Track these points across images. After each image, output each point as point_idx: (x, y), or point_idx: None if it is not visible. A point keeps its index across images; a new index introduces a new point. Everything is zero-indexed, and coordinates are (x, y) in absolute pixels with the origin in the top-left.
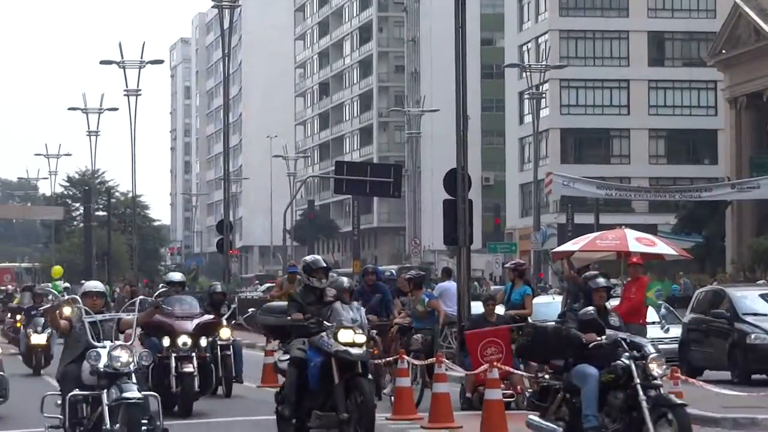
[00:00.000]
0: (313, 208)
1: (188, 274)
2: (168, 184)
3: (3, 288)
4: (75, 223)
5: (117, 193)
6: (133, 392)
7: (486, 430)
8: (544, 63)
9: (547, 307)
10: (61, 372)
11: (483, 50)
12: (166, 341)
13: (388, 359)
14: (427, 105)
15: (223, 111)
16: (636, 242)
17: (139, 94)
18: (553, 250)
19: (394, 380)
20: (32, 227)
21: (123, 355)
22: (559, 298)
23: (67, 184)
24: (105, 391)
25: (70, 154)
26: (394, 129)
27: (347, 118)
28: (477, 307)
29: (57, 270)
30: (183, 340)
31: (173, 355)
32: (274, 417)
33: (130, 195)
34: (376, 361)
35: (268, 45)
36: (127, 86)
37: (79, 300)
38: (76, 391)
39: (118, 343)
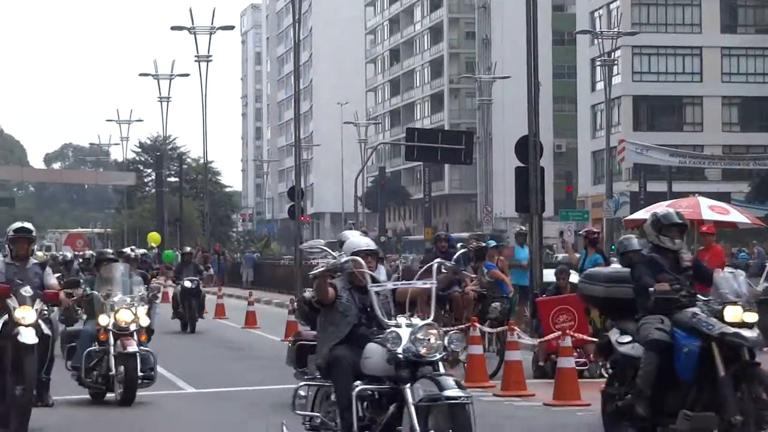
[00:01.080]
0: (385, 175)
1: (260, 240)
2: (239, 151)
3: (79, 253)
4: (147, 188)
5: (188, 159)
6: (454, 390)
7: (559, 398)
8: (615, 29)
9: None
10: (327, 357)
11: (554, 16)
12: None
13: (461, 326)
14: (498, 72)
15: (293, 77)
16: (709, 210)
17: (210, 60)
18: (626, 218)
19: (467, 348)
20: (104, 193)
21: (432, 338)
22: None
23: (139, 149)
24: (408, 385)
25: (141, 120)
26: (465, 96)
27: (418, 85)
28: (549, 275)
29: (155, 237)
30: None
31: None
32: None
33: (202, 161)
34: (448, 329)
35: (338, 11)
36: (197, 52)
37: (362, 262)
38: (362, 385)
39: (424, 321)
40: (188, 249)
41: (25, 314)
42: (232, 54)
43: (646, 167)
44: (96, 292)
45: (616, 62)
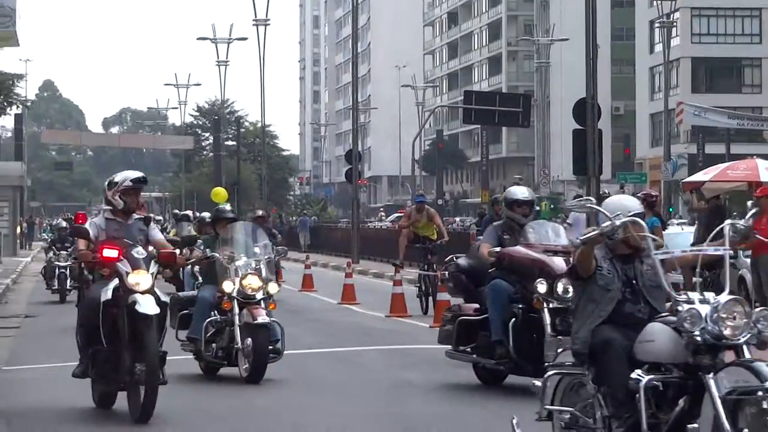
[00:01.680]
0: (442, 138)
1: (317, 204)
2: (297, 114)
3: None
4: (204, 152)
5: (246, 123)
6: None
7: None
8: None
9: (676, 237)
10: (589, 340)
11: None
12: (541, 287)
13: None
14: (556, 34)
15: (351, 40)
16: (767, 172)
17: (268, 24)
18: (684, 181)
19: None
20: (162, 157)
21: (738, 316)
22: (689, 229)
23: (197, 113)
24: (711, 375)
25: (199, 84)
26: (524, 58)
27: (476, 48)
28: None
29: (220, 193)
30: (562, 286)
31: (546, 308)
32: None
33: (260, 125)
34: None
35: None
36: (256, 16)
37: (643, 225)
38: (647, 374)
39: (728, 296)
40: (260, 212)
41: (140, 279)
42: (290, 17)
43: (705, 129)
44: (218, 255)
45: (674, 24)
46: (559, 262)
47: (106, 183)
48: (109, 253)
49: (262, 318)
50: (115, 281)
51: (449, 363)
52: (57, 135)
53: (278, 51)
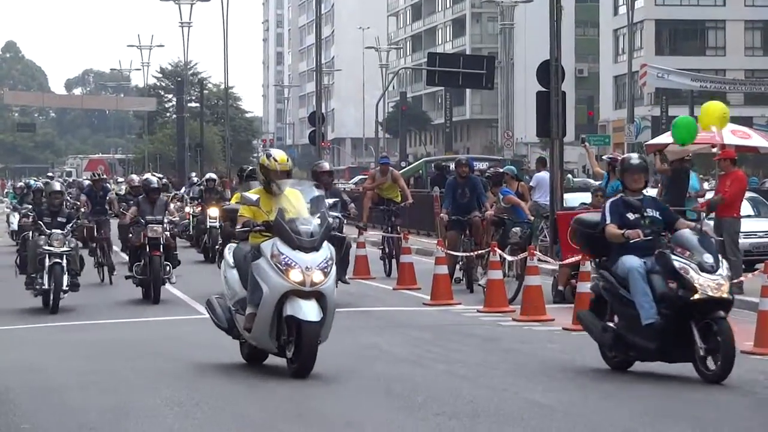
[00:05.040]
0: (406, 100)
1: None
2: (260, 76)
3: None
4: (168, 114)
5: (209, 85)
6: None
7: (578, 323)
8: None
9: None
10: None
11: None
12: None
13: (480, 252)
14: None
15: (315, 1)
16: (731, 135)
17: None
18: (647, 143)
19: (487, 272)
20: (125, 118)
21: None
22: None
23: (160, 75)
24: None
25: (162, 46)
26: (487, 20)
27: (440, 9)
28: (571, 200)
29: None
30: None
31: None
32: None
33: (223, 86)
34: (468, 254)
35: None
36: None
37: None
38: None
39: None
40: (326, 165)
41: None
42: None
43: (668, 92)
44: None
45: None
46: None
47: None
48: None
49: None
50: None
51: (412, 324)
52: (19, 96)
53: (242, 12)
